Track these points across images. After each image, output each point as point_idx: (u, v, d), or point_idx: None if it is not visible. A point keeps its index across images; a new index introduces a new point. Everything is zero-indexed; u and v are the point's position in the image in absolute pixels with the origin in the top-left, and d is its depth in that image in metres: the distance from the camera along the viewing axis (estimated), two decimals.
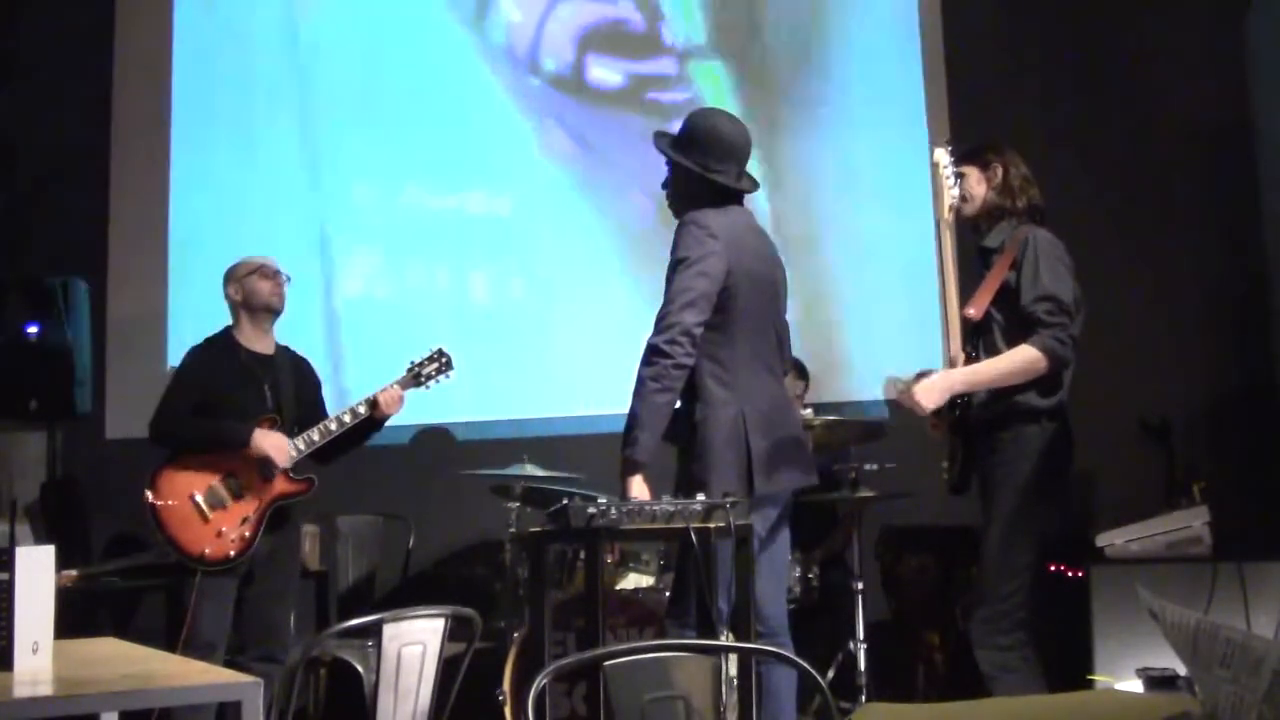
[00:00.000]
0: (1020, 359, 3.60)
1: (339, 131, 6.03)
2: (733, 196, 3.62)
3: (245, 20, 6.22)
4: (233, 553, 4.17)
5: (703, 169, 3.55)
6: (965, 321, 3.67)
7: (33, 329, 5.35)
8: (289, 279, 4.47)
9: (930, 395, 3.59)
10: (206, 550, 4.16)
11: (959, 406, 3.67)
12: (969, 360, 3.66)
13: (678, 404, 3.45)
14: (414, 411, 4.79)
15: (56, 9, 6.13)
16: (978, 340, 3.70)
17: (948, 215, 3.72)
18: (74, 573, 4.69)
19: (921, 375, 3.67)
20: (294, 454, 4.27)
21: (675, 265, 3.47)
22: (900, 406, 3.71)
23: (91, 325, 5.58)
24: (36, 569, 2.49)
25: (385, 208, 5.96)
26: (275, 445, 4.23)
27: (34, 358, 5.33)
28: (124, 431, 5.34)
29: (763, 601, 3.43)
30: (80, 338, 5.44)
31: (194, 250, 5.99)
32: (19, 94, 6.01)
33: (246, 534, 4.20)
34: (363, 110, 6.02)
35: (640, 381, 3.39)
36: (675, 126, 3.70)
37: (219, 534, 4.17)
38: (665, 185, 3.69)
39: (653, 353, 3.39)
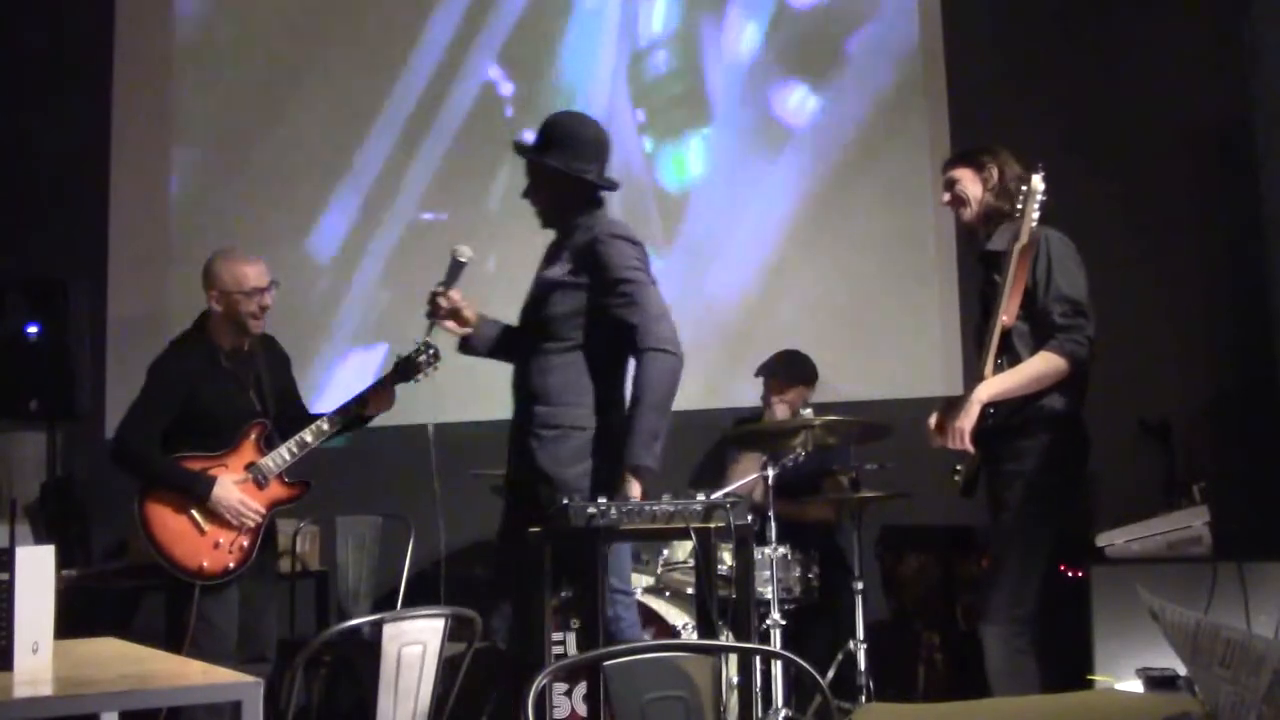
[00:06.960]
0: (1041, 365, 3.59)
1: (340, 131, 6.03)
2: (598, 199, 3.64)
3: (246, 21, 6.22)
4: (232, 564, 4.02)
5: (576, 171, 3.57)
6: (1001, 331, 3.66)
7: (33, 329, 5.36)
8: (278, 286, 4.20)
9: (967, 417, 3.59)
10: (205, 563, 4.00)
11: (989, 416, 3.67)
12: (997, 371, 3.65)
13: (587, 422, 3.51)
14: (413, 411, 4.77)
15: (57, 9, 6.14)
16: (1003, 350, 3.69)
17: (1024, 238, 3.65)
18: (74, 573, 4.68)
19: (950, 404, 3.69)
20: (278, 464, 4.10)
21: (631, 282, 3.49)
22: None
23: (91, 325, 5.59)
24: (36, 569, 2.49)
25: (384, 208, 5.96)
26: (230, 507, 4.01)
27: (34, 358, 5.34)
28: None
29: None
30: (80, 338, 5.45)
31: (194, 250, 5.99)
32: (19, 95, 6.01)
33: (244, 543, 4.05)
34: (363, 111, 6.02)
35: (663, 394, 3.44)
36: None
37: (216, 545, 4.01)
38: (528, 194, 3.68)
39: (672, 366, 3.44)
